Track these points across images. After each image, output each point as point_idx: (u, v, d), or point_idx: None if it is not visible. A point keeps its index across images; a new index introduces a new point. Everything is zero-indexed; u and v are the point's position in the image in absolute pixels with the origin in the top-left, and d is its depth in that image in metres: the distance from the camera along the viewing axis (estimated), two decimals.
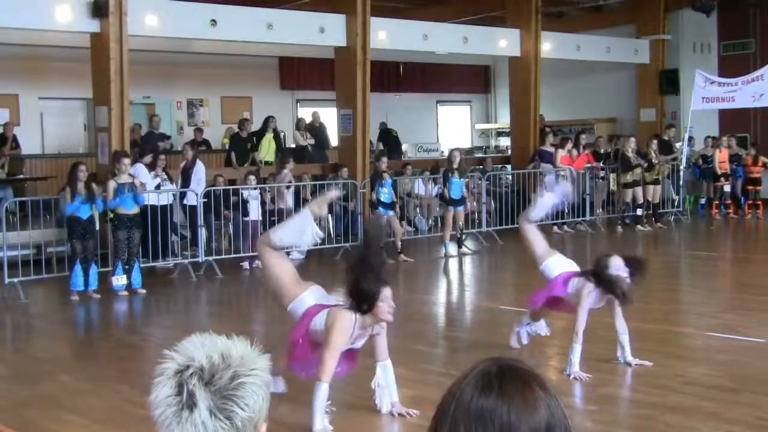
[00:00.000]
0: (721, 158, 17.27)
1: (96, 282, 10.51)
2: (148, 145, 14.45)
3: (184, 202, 12.61)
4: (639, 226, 15.90)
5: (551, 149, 16.60)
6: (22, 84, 16.59)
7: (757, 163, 17.44)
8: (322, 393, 5.44)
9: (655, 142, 16.54)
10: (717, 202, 17.48)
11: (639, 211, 16.01)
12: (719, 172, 17.28)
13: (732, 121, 19.07)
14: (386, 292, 5.45)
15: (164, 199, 12.25)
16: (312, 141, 17.28)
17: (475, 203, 15.32)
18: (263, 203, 13.06)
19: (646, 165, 16.14)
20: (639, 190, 16.00)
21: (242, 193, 12.65)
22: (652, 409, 5.68)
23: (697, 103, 17.03)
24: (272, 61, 20.04)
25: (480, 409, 1.35)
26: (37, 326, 9.64)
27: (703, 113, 17.96)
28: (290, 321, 5.87)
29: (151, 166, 12.65)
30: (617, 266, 6.64)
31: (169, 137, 16.45)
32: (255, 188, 12.81)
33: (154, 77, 17.45)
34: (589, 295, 6.71)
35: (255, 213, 12.64)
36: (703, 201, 17.98)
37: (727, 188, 17.38)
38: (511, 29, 17.87)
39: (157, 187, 12.29)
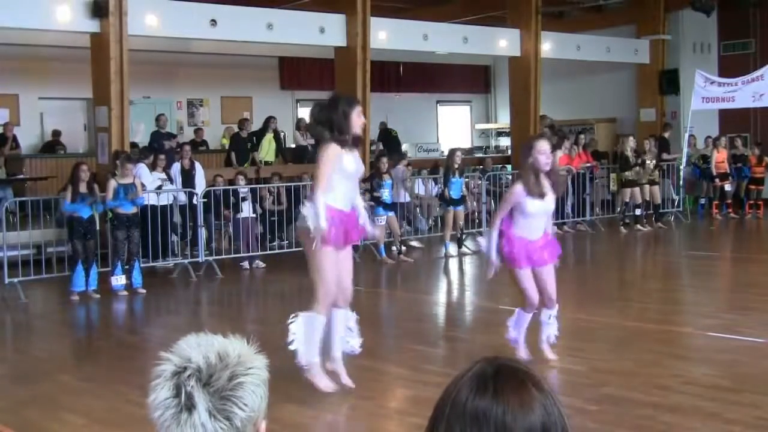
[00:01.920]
0: (719, 159, 17.26)
1: (96, 282, 10.51)
2: (155, 144, 14.45)
3: (179, 202, 12.64)
4: (638, 226, 15.89)
5: None
6: (22, 84, 16.59)
7: (761, 163, 17.43)
8: (320, 203, 5.79)
9: (649, 141, 16.53)
10: (717, 202, 17.48)
11: (638, 212, 15.99)
12: (715, 172, 17.27)
13: (732, 121, 19.07)
14: (358, 109, 6.14)
15: (164, 199, 12.25)
16: (312, 141, 17.27)
17: (475, 203, 15.31)
18: (262, 200, 13.10)
19: (640, 164, 16.12)
20: (637, 190, 15.97)
21: (239, 193, 12.68)
22: (652, 409, 5.68)
23: (697, 104, 17.03)
24: (272, 61, 20.04)
25: (475, 410, 1.35)
26: (37, 326, 9.63)
27: (703, 113, 17.96)
28: None
29: (152, 166, 12.65)
30: (542, 149, 6.48)
31: (175, 136, 16.47)
32: (245, 188, 12.84)
33: (154, 77, 17.46)
34: (515, 191, 6.51)
35: (247, 211, 12.67)
36: (703, 201, 17.97)
37: (728, 188, 17.37)
38: (511, 29, 17.87)
39: (159, 187, 12.31)
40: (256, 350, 1.54)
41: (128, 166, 10.87)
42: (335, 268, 6.04)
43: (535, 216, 6.56)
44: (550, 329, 6.92)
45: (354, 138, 6.13)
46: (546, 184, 6.52)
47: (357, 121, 6.10)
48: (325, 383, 6.06)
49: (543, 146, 6.49)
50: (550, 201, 6.58)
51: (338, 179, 6.00)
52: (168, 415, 1.45)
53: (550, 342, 6.93)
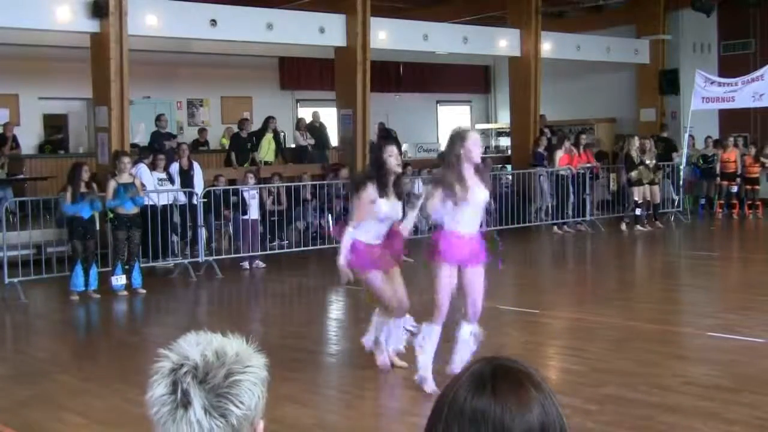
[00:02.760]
0: (730, 158, 17.24)
1: (96, 282, 10.51)
2: (155, 144, 14.47)
3: (178, 202, 12.66)
4: (638, 226, 15.88)
5: (545, 152, 16.61)
6: (22, 84, 16.59)
7: (756, 162, 17.41)
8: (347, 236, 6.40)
9: (650, 141, 16.55)
10: (721, 202, 17.46)
11: (638, 211, 15.99)
12: (725, 171, 17.24)
13: (732, 121, 19.06)
14: (390, 149, 6.45)
15: (164, 199, 12.26)
16: (312, 141, 17.28)
17: None
18: (262, 200, 13.11)
19: (652, 165, 16.16)
20: (643, 189, 15.97)
21: (243, 193, 12.67)
22: (652, 409, 5.68)
23: (697, 104, 17.03)
24: (272, 61, 20.04)
25: (473, 411, 1.35)
26: (37, 326, 9.64)
27: (703, 113, 17.96)
28: None
29: (152, 166, 12.64)
30: (474, 141, 6.00)
31: (175, 136, 16.48)
32: (254, 188, 12.84)
33: (154, 77, 17.45)
34: (436, 196, 6.00)
35: (254, 212, 12.67)
36: (703, 201, 17.96)
37: (733, 188, 17.37)
38: (511, 29, 17.87)
39: (171, 180, 12.40)
40: (256, 349, 1.54)
41: (124, 160, 10.86)
42: (388, 283, 6.59)
43: (471, 207, 5.99)
44: (465, 351, 6.11)
45: (393, 177, 6.51)
46: (475, 178, 6.02)
47: (391, 161, 6.45)
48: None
49: (475, 138, 6.13)
50: (480, 193, 6.04)
51: (372, 222, 6.45)
52: (164, 411, 1.46)
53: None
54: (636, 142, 16.11)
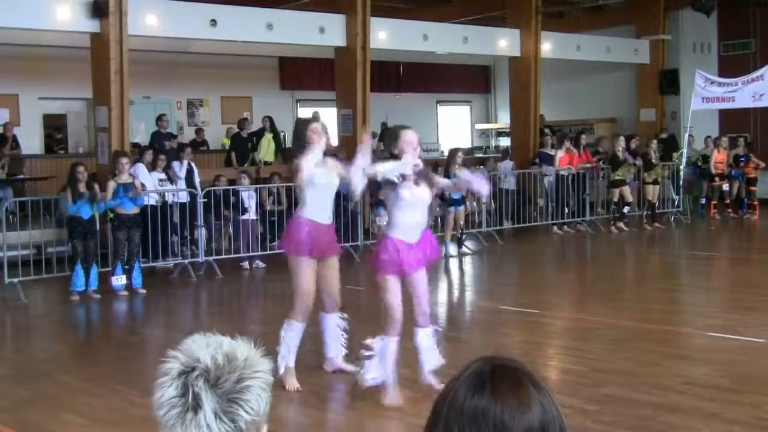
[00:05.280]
0: (719, 159, 17.25)
1: (96, 282, 10.51)
2: (156, 145, 14.46)
3: (180, 200, 12.66)
4: (620, 224, 15.71)
5: (551, 151, 16.60)
6: (22, 84, 16.59)
7: (748, 163, 17.37)
8: None
9: (654, 142, 16.56)
10: (715, 202, 17.45)
11: (626, 210, 15.94)
12: (714, 172, 17.26)
13: (732, 121, 19.06)
14: (314, 125, 6.27)
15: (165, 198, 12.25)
16: None
17: (474, 203, 15.30)
18: (262, 201, 13.11)
19: (641, 164, 16.14)
20: (626, 189, 15.94)
21: (241, 194, 12.66)
22: (652, 409, 5.68)
23: (698, 104, 17.01)
24: (272, 61, 20.04)
25: (473, 410, 1.35)
26: (37, 326, 9.63)
27: (703, 113, 17.95)
28: None
29: (152, 166, 12.64)
30: (407, 140, 5.78)
31: (176, 136, 16.47)
32: (247, 189, 12.83)
33: (154, 77, 17.45)
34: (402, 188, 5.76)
35: (252, 212, 12.67)
36: (703, 201, 17.95)
37: (725, 187, 17.35)
38: (511, 29, 17.87)
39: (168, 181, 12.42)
40: (262, 353, 1.54)
41: (122, 161, 10.86)
42: (311, 275, 6.48)
43: (411, 207, 5.82)
44: (432, 354, 6.04)
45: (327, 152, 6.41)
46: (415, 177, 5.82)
47: (314, 138, 6.25)
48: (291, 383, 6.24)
49: (409, 135, 5.82)
50: (422, 192, 5.84)
51: (310, 192, 6.30)
52: (173, 413, 1.45)
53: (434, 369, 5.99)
54: (622, 141, 16.07)
